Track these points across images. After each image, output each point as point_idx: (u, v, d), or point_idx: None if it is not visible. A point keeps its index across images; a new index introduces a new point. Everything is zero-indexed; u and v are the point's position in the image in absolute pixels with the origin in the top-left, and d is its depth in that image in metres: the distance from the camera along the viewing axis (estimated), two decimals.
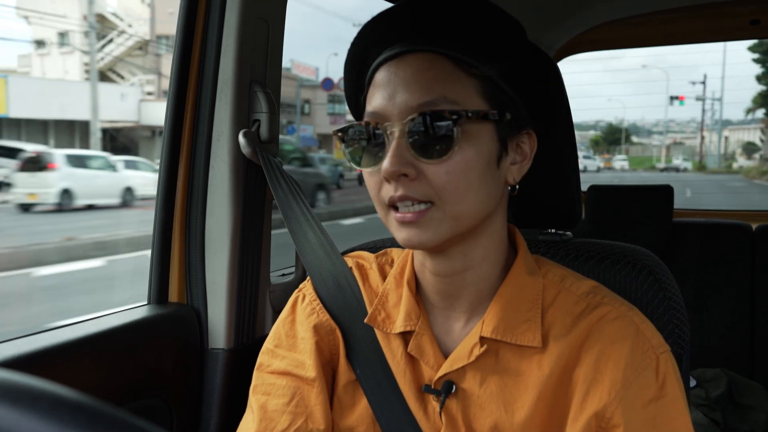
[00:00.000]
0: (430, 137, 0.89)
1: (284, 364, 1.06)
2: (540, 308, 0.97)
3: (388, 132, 0.91)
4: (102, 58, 35.34)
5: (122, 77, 37.64)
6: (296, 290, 1.17)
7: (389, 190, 0.91)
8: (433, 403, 1.00)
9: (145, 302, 1.54)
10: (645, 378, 0.90)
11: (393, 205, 0.92)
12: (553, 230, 1.25)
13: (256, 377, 1.08)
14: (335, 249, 1.24)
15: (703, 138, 73.98)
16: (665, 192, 2.71)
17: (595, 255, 1.17)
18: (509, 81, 0.95)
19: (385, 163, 0.89)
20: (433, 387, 0.99)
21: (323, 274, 1.18)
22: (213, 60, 1.51)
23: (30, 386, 0.48)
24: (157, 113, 30.03)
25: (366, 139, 0.94)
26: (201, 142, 1.53)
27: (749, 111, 60.13)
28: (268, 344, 1.11)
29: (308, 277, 1.19)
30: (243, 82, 1.51)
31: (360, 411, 1.04)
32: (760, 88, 52.14)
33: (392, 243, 1.27)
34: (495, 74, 0.94)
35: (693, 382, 2.47)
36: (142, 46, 37.27)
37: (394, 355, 1.04)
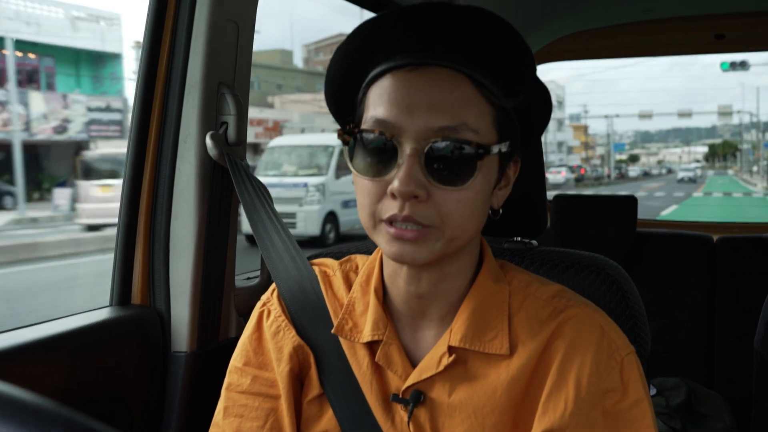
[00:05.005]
0: (450, 164, 0.87)
1: (257, 385, 1.05)
2: (507, 315, 0.97)
3: (402, 147, 0.87)
4: None
5: None
6: (260, 304, 1.14)
7: (392, 208, 0.88)
8: (401, 413, 0.99)
9: (108, 304, 1.52)
10: (609, 382, 0.91)
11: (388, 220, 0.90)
12: (519, 238, 1.26)
13: (227, 398, 1.06)
14: (301, 254, 1.22)
15: None
16: (629, 202, 2.74)
17: (560, 263, 1.18)
18: (519, 114, 0.95)
19: (397, 183, 0.86)
20: (401, 396, 0.98)
21: (288, 280, 1.16)
22: (181, 61, 1.49)
23: None
24: None
25: (366, 146, 0.91)
26: (167, 144, 1.51)
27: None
28: (236, 362, 1.08)
29: (272, 289, 1.15)
30: (211, 84, 1.50)
31: (326, 422, 1.03)
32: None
33: (357, 249, 1.26)
34: (510, 106, 0.93)
35: (653, 391, 2.50)
36: None
37: (360, 365, 1.02)
